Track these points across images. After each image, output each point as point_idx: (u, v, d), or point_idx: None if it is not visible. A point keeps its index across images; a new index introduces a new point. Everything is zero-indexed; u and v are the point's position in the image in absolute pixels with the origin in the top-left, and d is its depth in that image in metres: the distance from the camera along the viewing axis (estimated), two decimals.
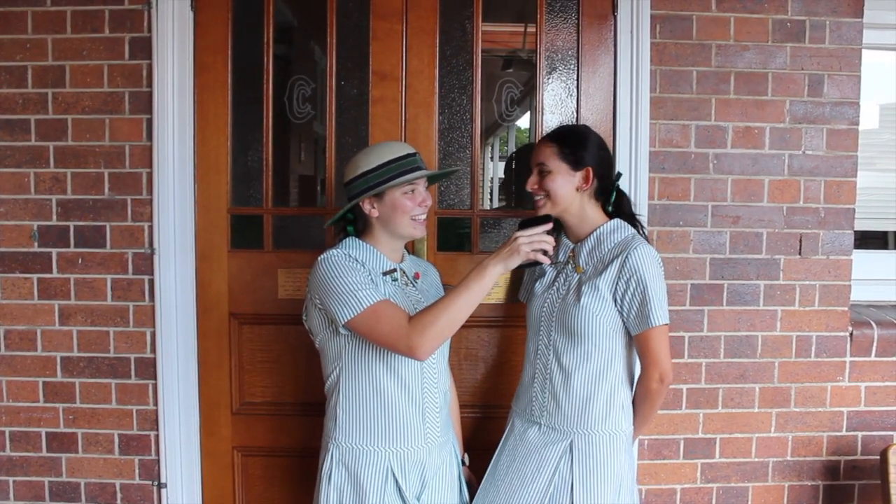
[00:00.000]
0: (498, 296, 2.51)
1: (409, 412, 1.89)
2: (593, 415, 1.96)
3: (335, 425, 1.92)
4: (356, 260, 1.86)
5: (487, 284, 1.75)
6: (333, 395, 1.94)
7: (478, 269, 1.76)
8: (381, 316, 1.76)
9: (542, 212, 1.97)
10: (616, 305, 1.93)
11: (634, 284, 1.89)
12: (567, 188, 1.96)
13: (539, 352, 2.04)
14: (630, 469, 2.04)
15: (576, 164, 1.96)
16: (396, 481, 1.86)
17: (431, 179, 2.12)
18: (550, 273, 2.07)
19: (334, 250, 1.88)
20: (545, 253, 1.78)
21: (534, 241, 1.75)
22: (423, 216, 1.93)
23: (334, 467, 1.90)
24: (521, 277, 2.29)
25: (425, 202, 1.92)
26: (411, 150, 1.92)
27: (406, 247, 2.11)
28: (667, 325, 1.92)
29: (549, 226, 1.81)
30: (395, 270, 1.95)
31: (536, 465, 1.98)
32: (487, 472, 2.11)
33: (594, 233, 2.00)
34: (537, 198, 2.00)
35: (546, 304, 2.03)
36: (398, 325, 1.75)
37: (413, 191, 1.90)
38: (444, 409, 2.01)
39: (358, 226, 1.98)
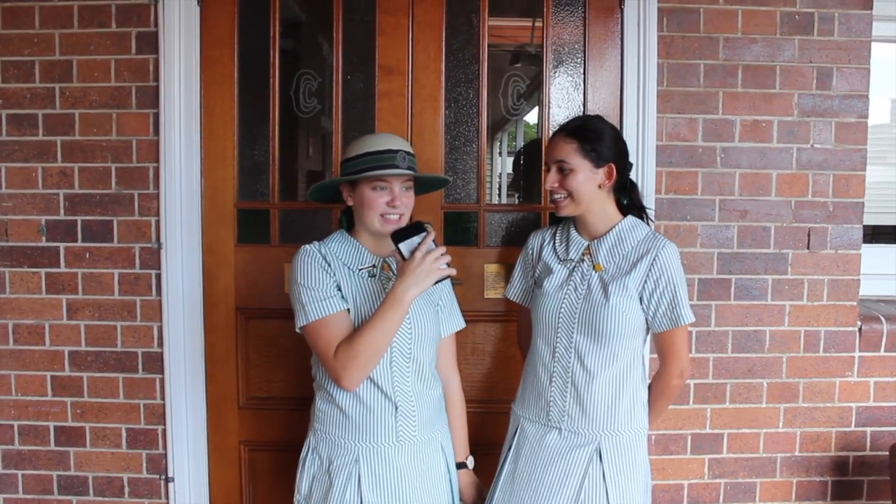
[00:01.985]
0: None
1: (381, 408, 1.85)
2: (620, 415, 1.93)
3: (314, 413, 1.95)
4: (325, 259, 1.85)
5: (404, 311, 1.74)
6: (314, 383, 1.96)
7: (392, 296, 1.72)
8: (319, 335, 1.79)
9: (564, 212, 1.94)
10: (642, 304, 1.91)
11: (664, 284, 1.88)
12: (590, 186, 1.90)
13: (557, 354, 1.96)
14: (649, 465, 2.04)
15: (598, 161, 1.89)
16: (360, 477, 1.84)
17: (425, 185, 2.07)
18: (560, 271, 2.00)
19: (311, 246, 1.88)
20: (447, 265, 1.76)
21: (439, 258, 1.73)
22: (396, 216, 1.85)
23: (309, 454, 1.93)
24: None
25: (395, 202, 1.83)
26: (395, 147, 1.85)
27: None
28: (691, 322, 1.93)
29: (433, 234, 1.76)
30: (373, 266, 1.91)
31: (563, 471, 1.92)
32: (502, 481, 2.03)
33: (613, 230, 1.95)
34: (558, 196, 1.93)
35: (565, 304, 1.95)
36: (329, 351, 1.77)
37: (383, 188, 1.84)
38: (426, 408, 1.94)
39: (350, 216, 1.97)
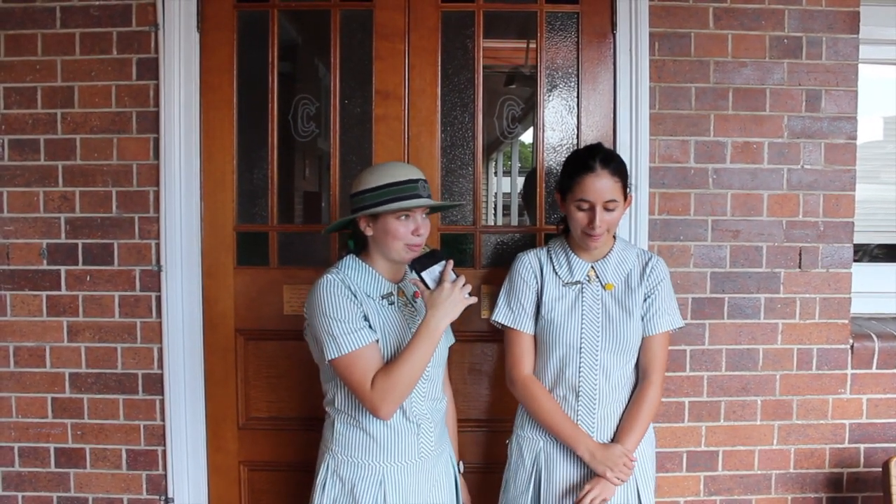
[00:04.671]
0: None
1: (406, 429, 1.91)
2: None
3: (332, 437, 1.95)
4: (349, 289, 1.85)
5: (437, 340, 1.81)
6: (331, 408, 1.98)
7: (426, 328, 1.79)
8: (354, 367, 1.81)
9: (600, 242, 1.99)
10: (642, 309, 2.06)
11: (661, 288, 2.06)
12: (620, 217, 2.04)
13: (582, 373, 2.02)
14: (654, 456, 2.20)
15: (625, 194, 2.02)
16: (386, 496, 1.88)
17: (432, 208, 2.10)
18: (567, 293, 2.07)
19: (332, 276, 1.87)
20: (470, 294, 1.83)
21: (464, 287, 1.80)
22: (417, 242, 1.88)
23: (329, 477, 1.94)
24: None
25: (419, 230, 1.87)
26: (414, 176, 1.88)
27: None
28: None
29: (451, 262, 1.82)
30: (391, 294, 1.94)
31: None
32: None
33: (613, 251, 2.08)
34: (600, 232, 1.96)
35: (585, 324, 2.03)
36: (365, 383, 1.80)
37: (407, 217, 1.86)
38: (439, 423, 2.02)
39: (358, 240, 1.99)
